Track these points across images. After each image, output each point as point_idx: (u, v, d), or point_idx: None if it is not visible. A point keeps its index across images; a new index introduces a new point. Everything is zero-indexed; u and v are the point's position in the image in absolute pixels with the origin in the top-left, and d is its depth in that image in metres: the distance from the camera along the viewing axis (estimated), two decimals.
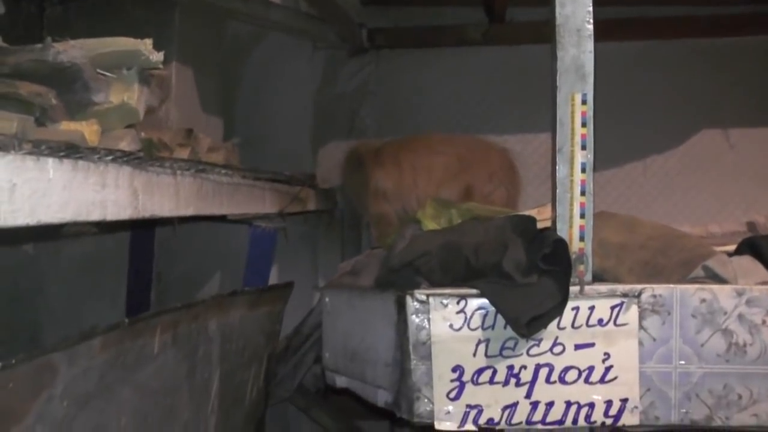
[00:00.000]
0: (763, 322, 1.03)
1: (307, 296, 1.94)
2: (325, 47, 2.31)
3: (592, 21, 1.11)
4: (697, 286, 1.05)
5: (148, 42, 0.95)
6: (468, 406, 1.07)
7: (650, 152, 2.29)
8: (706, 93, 2.29)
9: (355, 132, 2.35)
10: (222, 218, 1.45)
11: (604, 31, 2.20)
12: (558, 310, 1.05)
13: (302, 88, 2.34)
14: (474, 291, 1.07)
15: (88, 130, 0.87)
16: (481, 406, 1.08)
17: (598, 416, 1.06)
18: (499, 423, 1.08)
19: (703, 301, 1.04)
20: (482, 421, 1.07)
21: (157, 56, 0.96)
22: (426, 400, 1.07)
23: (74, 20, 1.74)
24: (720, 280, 1.07)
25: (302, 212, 1.90)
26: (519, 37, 2.24)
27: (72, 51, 0.87)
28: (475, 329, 1.07)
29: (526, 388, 1.07)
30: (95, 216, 0.82)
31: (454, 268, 1.12)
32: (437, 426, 1.07)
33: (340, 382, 1.32)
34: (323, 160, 2.27)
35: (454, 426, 1.07)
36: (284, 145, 2.27)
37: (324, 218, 2.20)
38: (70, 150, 0.76)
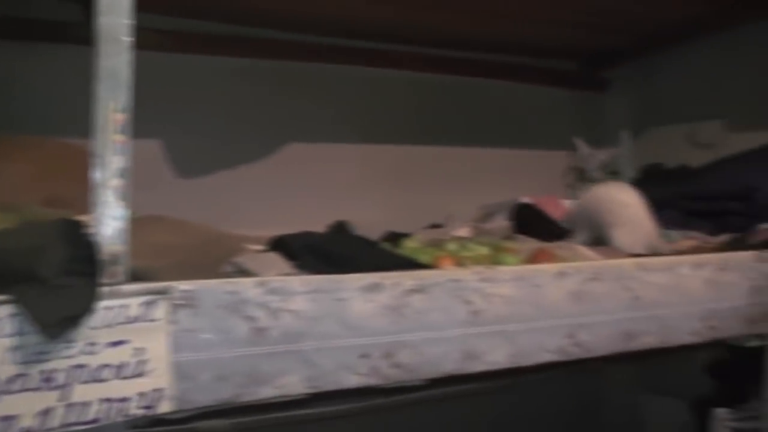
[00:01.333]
0: (282, 307, 1.16)
1: None
2: None
3: (131, 32, 1.14)
4: (224, 280, 1.14)
5: None
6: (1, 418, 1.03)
7: (244, 162, 2.43)
8: (295, 110, 2.49)
9: None
10: None
11: (200, 45, 2.31)
12: (89, 311, 1.07)
13: None
14: (5, 297, 1.04)
15: None
16: (14, 415, 1.05)
17: (134, 409, 1.10)
18: (35, 430, 1.06)
19: (230, 292, 1.13)
20: (17, 431, 1.05)
21: None
22: None
23: None
24: (247, 273, 1.19)
25: None
26: None
27: None
28: (6, 337, 1.04)
29: (60, 391, 1.08)
30: None
31: None
32: None
33: None
34: None
35: None
36: None
37: None
38: None
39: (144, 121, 2.26)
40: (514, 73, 2.87)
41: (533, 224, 2.28)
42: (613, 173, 2.91)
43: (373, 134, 2.64)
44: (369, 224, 2.41)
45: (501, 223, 2.19)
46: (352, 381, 1.21)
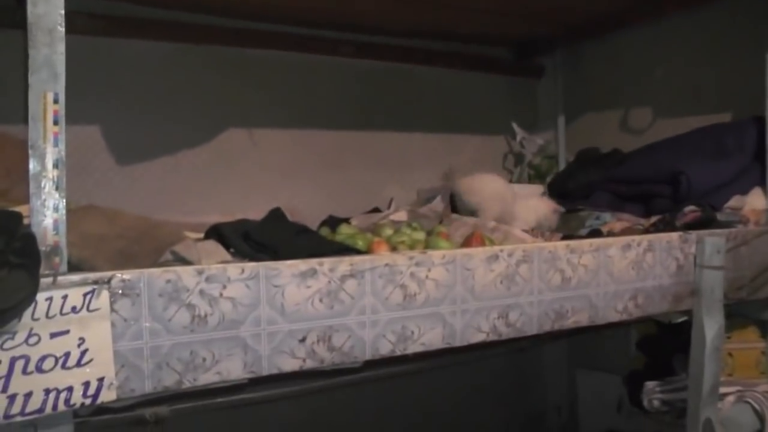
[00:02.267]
0: (221, 294, 1.20)
1: None
2: None
3: (64, 23, 1.15)
4: (163, 269, 1.17)
5: None
6: None
7: (182, 148, 2.44)
8: (233, 96, 2.51)
9: None
10: None
11: (136, 29, 2.31)
12: (28, 302, 1.09)
13: None
14: None
15: None
16: None
17: (77, 398, 1.13)
18: None
19: (169, 281, 1.17)
20: None
21: None
22: None
23: None
24: (186, 262, 1.22)
25: None
26: None
27: None
28: None
29: (1, 382, 1.09)
30: None
31: None
32: None
33: None
34: None
35: None
36: None
37: None
38: None
39: (80, 107, 2.27)
40: (451, 59, 2.94)
41: None
42: (549, 157, 3.01)
43: (313, 120, 2.69)
44: (310, 209, 2.47)
45: (438, 206, 2.26)
46: (290, 365, 1.26)
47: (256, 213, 2.15)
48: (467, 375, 2.83)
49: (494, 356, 2.57)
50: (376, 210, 2.44)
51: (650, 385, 2.22)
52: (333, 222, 2.22)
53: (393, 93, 2.86)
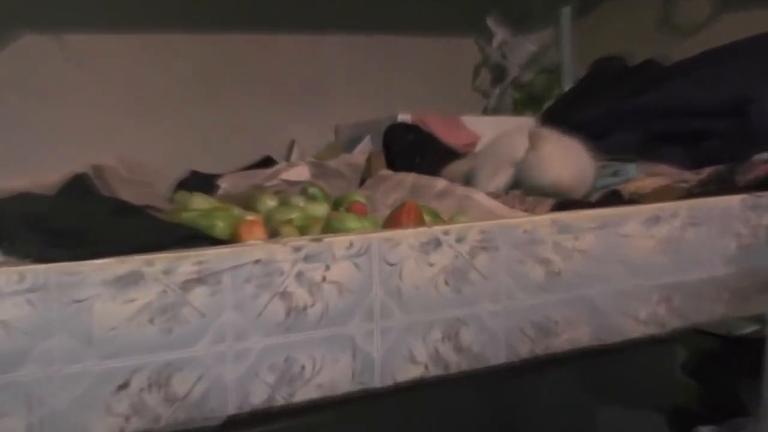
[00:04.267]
0: None
1: None
2: None
3: None
4: None
5: None
6: None
7: None
8: None
9: None
10: None
11: None
12: None
13: None
14: None
15: None
16: None
17: None
18: None
19: None
20: None
21: None
22: None
23: None
24: None
25: None
26: None
27: None
28: None
29: None
30: None
31: None
32: None
33: None
34: None
35: None
36: None
37: None
38: None
39: None
40: None
41: (417, 157, 2.37)
42: (546, 71, 3.05)
43: (169, 18, 2.67)
44: (162, 161, 2.48)
45: (360, 156, 2.26)
46: (104, 426, 1.27)
47: (76, 169, 2.15)
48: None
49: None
50: (268, 162, 2.46)
51: (704, 430, 2.29)
52: (196, 182, 2.22)
53: None
